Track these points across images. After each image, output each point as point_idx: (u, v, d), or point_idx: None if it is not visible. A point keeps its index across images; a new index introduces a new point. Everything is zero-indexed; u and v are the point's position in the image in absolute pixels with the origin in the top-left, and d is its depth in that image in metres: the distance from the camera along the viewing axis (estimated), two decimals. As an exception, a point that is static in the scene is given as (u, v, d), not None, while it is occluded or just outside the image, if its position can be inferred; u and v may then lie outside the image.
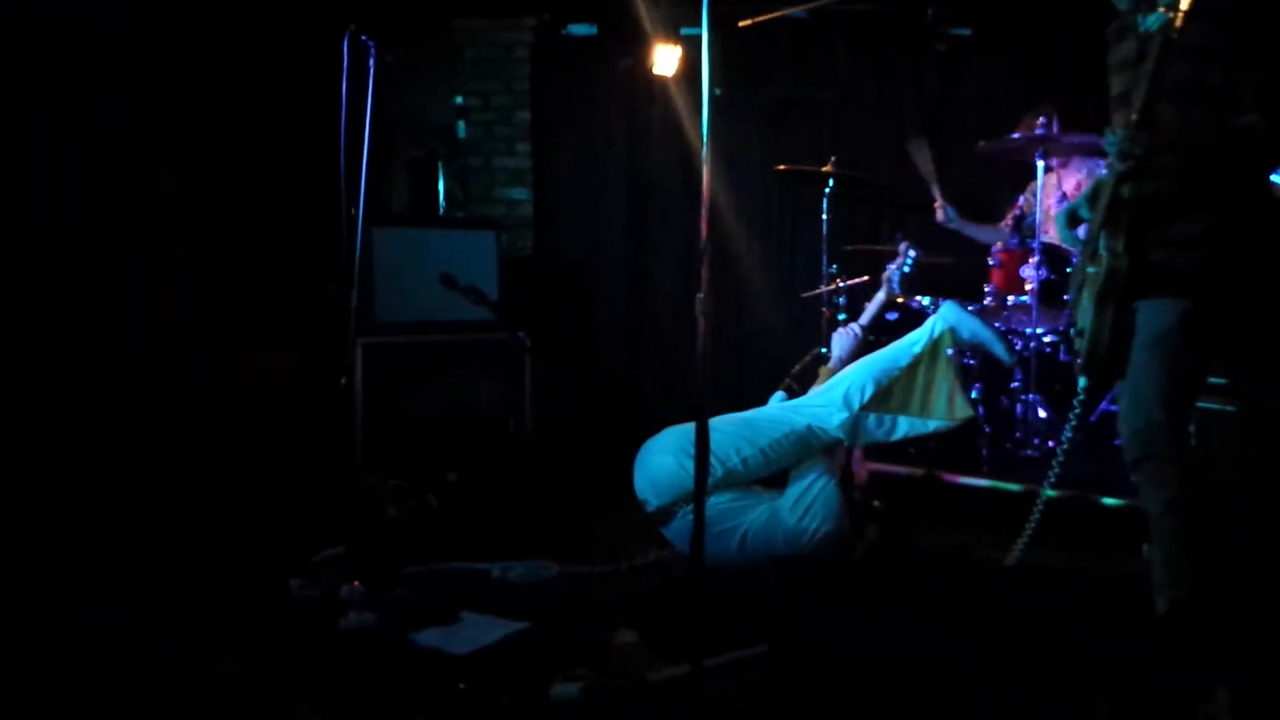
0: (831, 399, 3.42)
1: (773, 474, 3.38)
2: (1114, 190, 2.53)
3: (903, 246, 4.26)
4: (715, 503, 3.17)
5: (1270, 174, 3.10)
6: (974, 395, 4.44)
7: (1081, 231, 2.77)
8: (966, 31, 5.77)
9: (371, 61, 3.33)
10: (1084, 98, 4.72)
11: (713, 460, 3.21)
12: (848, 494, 3.28)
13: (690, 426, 3.06)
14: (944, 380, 3.46)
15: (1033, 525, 3.24)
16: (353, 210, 3.41)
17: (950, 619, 2.81)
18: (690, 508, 3.14)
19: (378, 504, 3.86)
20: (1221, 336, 2.59)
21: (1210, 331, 2.54)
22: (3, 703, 2.34)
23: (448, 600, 2.95)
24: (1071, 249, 4.26)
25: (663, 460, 3.31)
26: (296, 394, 4.56)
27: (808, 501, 3.22)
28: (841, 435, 3.37)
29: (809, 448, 3.36)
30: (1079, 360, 2.77)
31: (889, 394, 3.41)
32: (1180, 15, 2.34)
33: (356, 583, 2.97)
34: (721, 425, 3.33)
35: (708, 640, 2.41)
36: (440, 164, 5.50)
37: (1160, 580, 2.59)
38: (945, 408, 3.43)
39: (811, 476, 3.28)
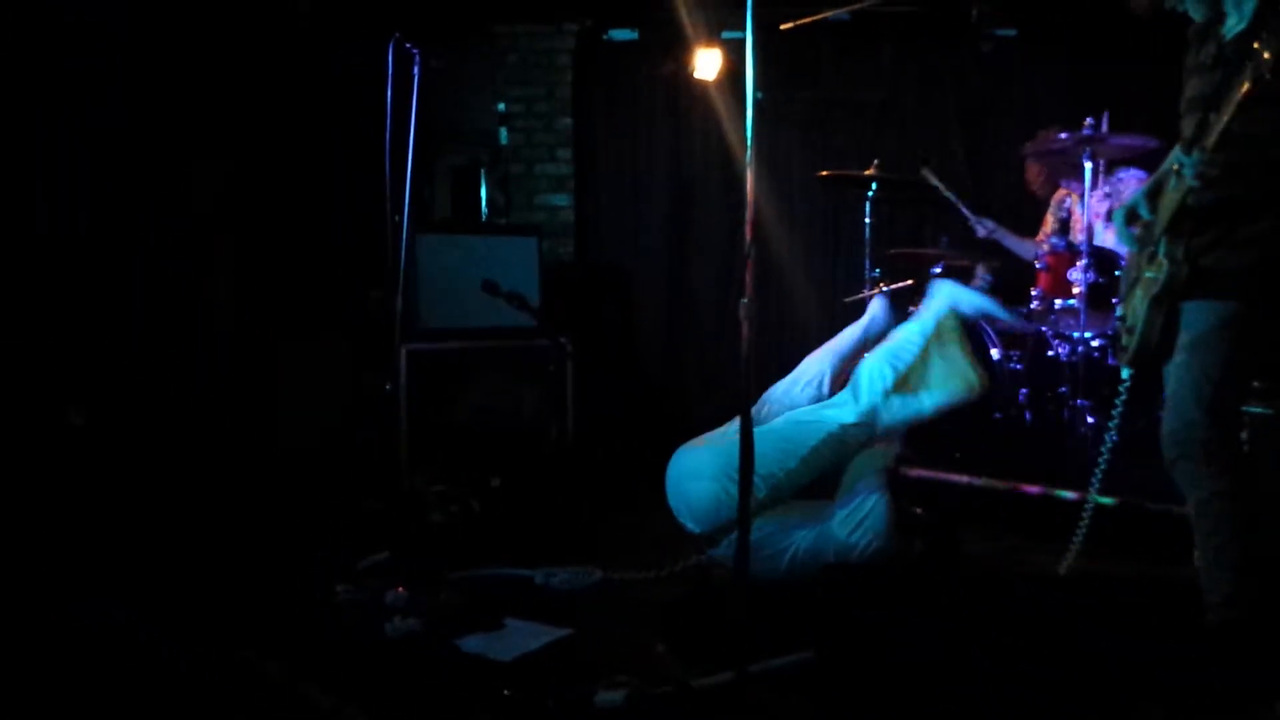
0: (854, 394, 3.39)
1: (815, 483, 3.34)
2: (1181, 200, 2.52)
3: (980, 271, 4.21)
4: (761, 527, 3.12)
5: None
6: (1021, 400, 4.39)
7: (1135, 230, 2.79)
8: (1012, 32, 5.71)
9: (416, 69, 3.36)
10: (1132, 100, 4.67)
11: (756, 479, 3.15)
12: (897, 505, 3.22)
13: (727, 447, 3.01)
14: (957, 355, 3.43)
15: (1083, 531, 3.21)
16: (397, 217, 3.44)
17: (995, 626, 2.79)
18: (734, 535, 3.12)
19: (422, 509, 3.89)
20: (1267, 341, 2.55)
21: (1254, 335, 2.52)
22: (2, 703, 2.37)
23: (492, 606, 2.96)
24: (1124, 248, 4.22)
25: (702, 486, 3.18)
26: (344, 400, 4.60)
27: (859, 517, 3.16)
28: (871, 424, 3.33)
29: (846, 448, 3.31)
30: (1126, 353, 2.77)
31: (906, 378, 3.38)
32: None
33: (401, 588, 2.98)
34: (758, 437, 3.27)
35: (752, 647, 2.39)
36: (483, 170, 5.53)
37: (1204, 585, 2.57)
38: (962, 381, 3.40)
39: (863, 493, 3.22)
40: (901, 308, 4.98)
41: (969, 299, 3.66)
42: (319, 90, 4.66)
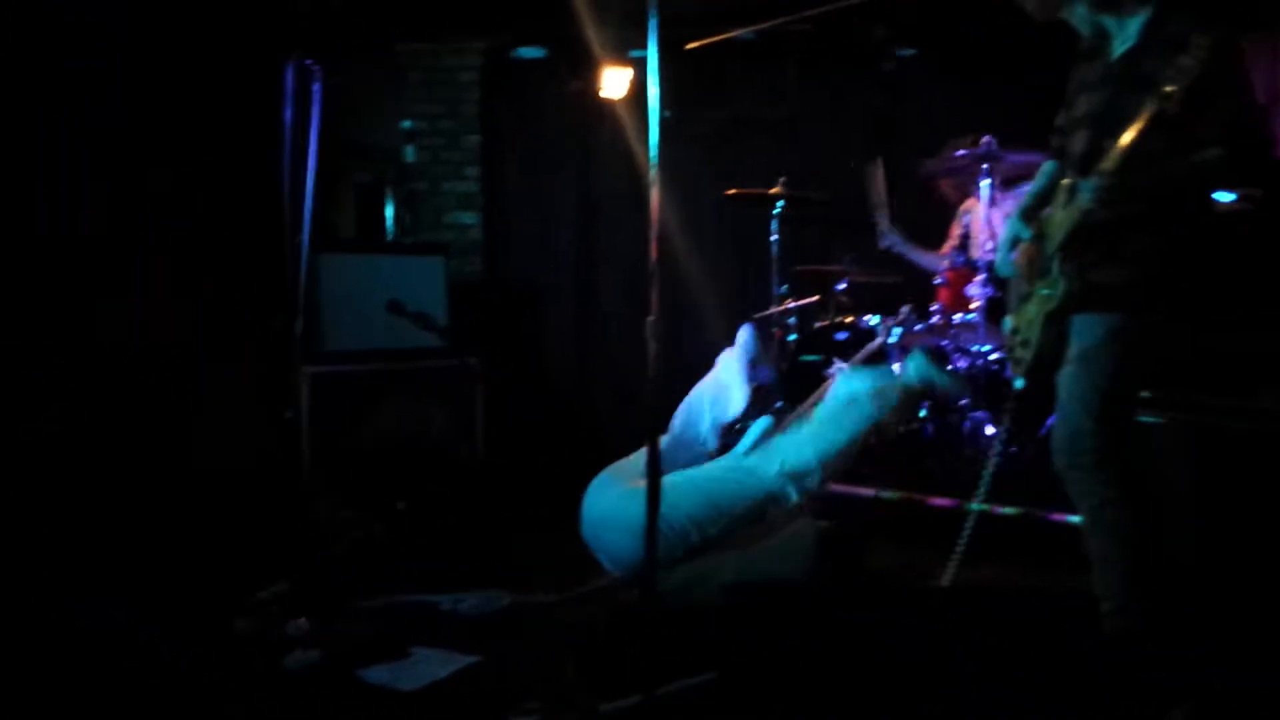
0: (782, 463, 3.33)
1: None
2: (1077, 221, 2.57)
3: (905, 310, 4.32)
4: (689, 568, 3.11)
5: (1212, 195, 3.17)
6: (922, 414, 4.47)
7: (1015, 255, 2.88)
8: (912, 51, 5.84)
9: (317, 86, 3.29)
10: (1027, 118, 4.79)
11: (673, 537, 3.10)
12: (823, 532, 3.22)
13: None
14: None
15: (964, 541, 3.26)
16: (297, 238, 3.36)
17: (895, 638, 2.81)
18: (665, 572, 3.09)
19: (325, 537, 3.79)
20: (1154, 352, 2.63)
21: (1140, 346, 2.59)
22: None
23: (397, 635, 2.90)
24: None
25: (623, 541, 3.12)
26: (248, 426, 4.46)
27: (787, 549, 3.17)
28: (797, 495, 3.31)
29: (767, 513, 3.30)
30: (1021, 365, 2.83)
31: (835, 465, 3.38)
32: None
33: (302, 619, 2.90)
34: (680, 491, 3.18)
35: (660, 668, 2.38)
36: (388, 189, 5.45)
37: (1099, 593, 2.62)
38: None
39: (793, 524, 3.22)
40: (808, 321, 5.06)
41: (939, 376, 3.70)
42: (217, 109, 4.53)
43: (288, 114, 3.22)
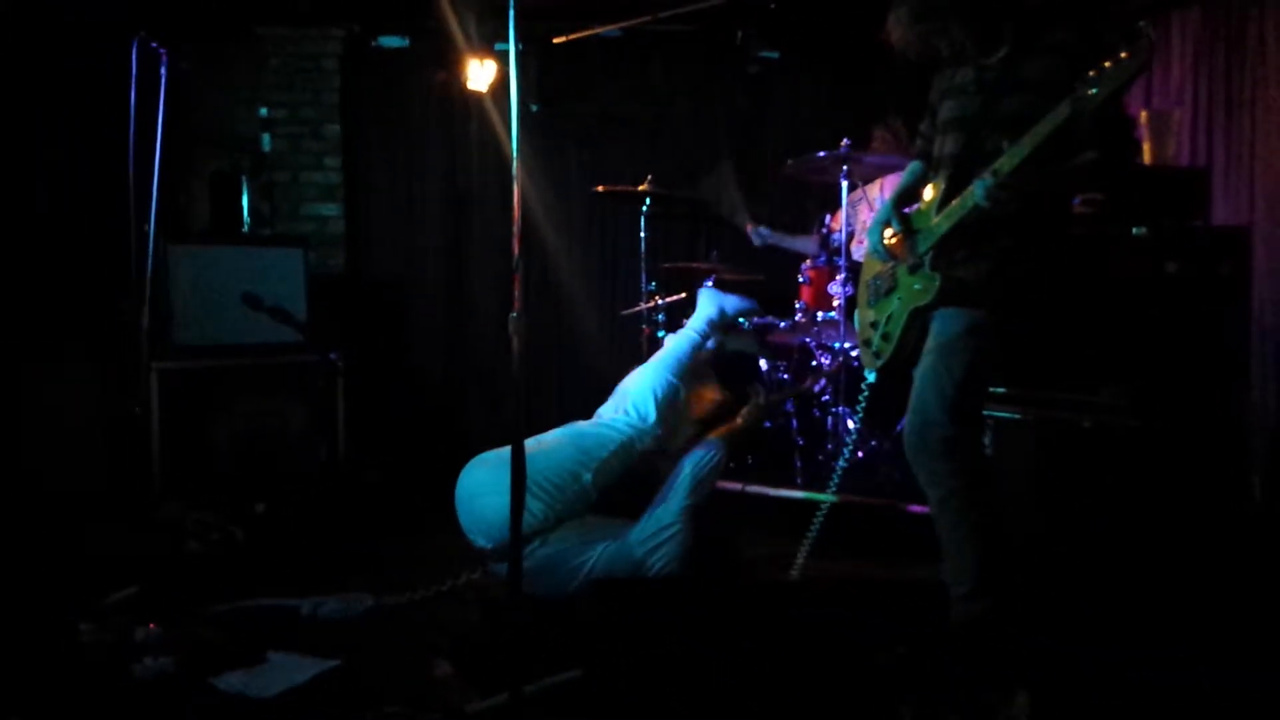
0: (635, 405, 3.48)
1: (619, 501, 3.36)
2: (962, 219, 2.63)
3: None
4: (557, 543, 3.11)
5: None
6: (788, 408, 4.56)
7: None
8: (775, 55, 5.95)
9: (164, 69, 3.15)
10: (880, 120, 4.95)
11: (551, 490, 3.13)
12: (699, 533, 3.25)
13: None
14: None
15: (814, 533, 3.34)
16: (145, 226, 3.21)
17: (752, 632, 2.84)
18: (534, 546, 3.09)
19: (177, 539, 3.64)
20: (1008, 347, 2.73)
21: (996, 341, 2.68)
22: None
23: (254, 640, 2.80)
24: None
25: (495, 501, 3.12)
26: (91, 422, 4.24)
27: (660, 540, 3.18)
28: (654, 433, 3.43)
29: (633, 457, 3.37)
30: (880, 358, 2.90)
31: (674, 395, 3.53)
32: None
33: (153, 625, 2.77)
34: (549, 451, 3.24)
35: (527, 667, 2.36)
36: (245, 178, 5.24)
37: (949, 580, 2.71)
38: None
39: (667, 517, 3.22)
40: (676, 318, 5.10)
41: (731, 301, 3.89)
42: (49, 91, 4.29)
43: (133, 97, 3.07)
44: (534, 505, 3.06)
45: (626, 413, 3.44)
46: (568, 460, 3.23)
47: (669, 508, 3.24)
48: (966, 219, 2.63)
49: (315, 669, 2.63)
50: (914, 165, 3.04)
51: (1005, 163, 2.49)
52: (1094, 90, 2.32)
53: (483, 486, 3.22)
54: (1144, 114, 3.97)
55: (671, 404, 3.50)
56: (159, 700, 2.48)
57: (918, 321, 2.78)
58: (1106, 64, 2.30)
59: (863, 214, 5.02)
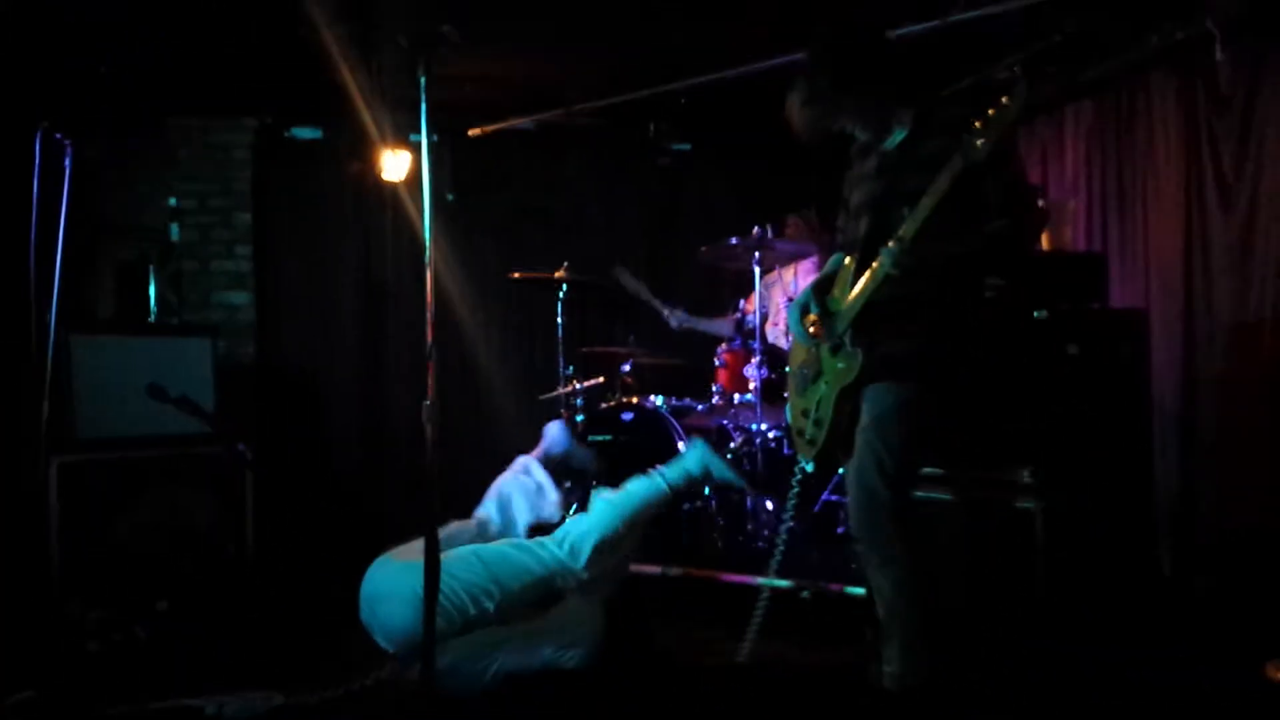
0: (569, 542, 3.29)
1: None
2: (874, 292, 2.68)
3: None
4: (464, 646, 3.02)
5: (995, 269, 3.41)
6: (706, 491, 4.56)
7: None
8: (686, 146, 6.10)
9: (68, 160, 3.10)
10: (793, 209, 5.10)
11: (450, 609, 3.03)
12: (612, 621, 3.18)
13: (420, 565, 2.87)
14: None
15: (759, 616, 3.33)
16: (45, 317, 3.13)
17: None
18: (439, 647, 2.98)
19: (77, 638, 3.48)
20: (940, 420, 2.78)
21: (929, 414, 2.72)
22: None
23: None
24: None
25: (397, 609, 3.02)
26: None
27: (571, 635, 3.10)
28: (580, 577, 3.26)
29: (554, 591, 3.24)
30: (814, 447, 2.90)
31: (617, 545, 3.35)
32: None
33: (47, 731, 2.64)
34: (462, 563, 3.12)
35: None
36: (152, 268, 5.16)
37: (893, 659, 2.68)
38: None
39: (579, 611, 3.16)
40: (594, 402, 5.11)
41: (719, 467, 3.67)
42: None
43: (35, 187, 3.01)
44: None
45: (559, 544, 3.27)
46: (476, 581, 3.10)
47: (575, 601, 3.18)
48: (880, 293, 2.67)
49: (219, 772, 2.51)
50: (835, 256, 3.07)
51: (909, 227, 2.56)
52: (980, 140, 2.41)
53: (384, 591, 3.13)
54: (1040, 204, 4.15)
55: (612, 551, 3.31)
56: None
57: (848, 402, 2.79)
58: (990, 111, 2.40)
59: (777, 296, 5.12)
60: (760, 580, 3.74)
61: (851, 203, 2.96)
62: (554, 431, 4.08)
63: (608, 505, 3.39)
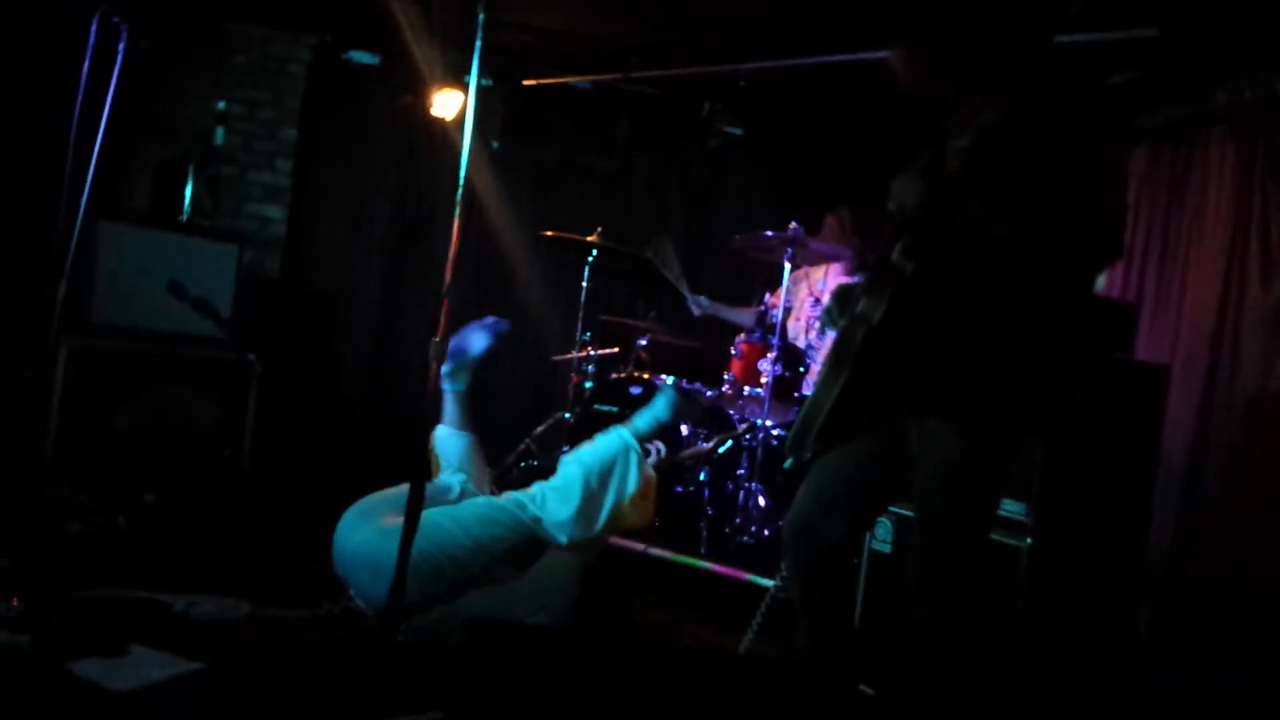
0: (553, 496, 3.26)
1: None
2: (885, 254, 2.27)
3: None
4: (442, 609, 2.99)
5: None
6: (702, 477, 4.57)
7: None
8: (738, 131, 6.07)
9: (121, 45, 3.10)
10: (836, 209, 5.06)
11: (430, 573, 2.96)
12: (584, 592, 3.16)
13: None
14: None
15: (762, 613, 3.32)
16: (76, 198, 3.14)
17: (638, 690, 2.80)
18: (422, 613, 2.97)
19: (58, 518, 3.51)
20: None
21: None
22: None
23: (119, 630, 2.70)
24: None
25: (376, 582, 2.89)
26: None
27: (545, 594, 3.05)
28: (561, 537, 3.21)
29: (535, 547, 3.20)
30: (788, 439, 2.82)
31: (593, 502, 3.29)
32: None
33: (15, 600, 2.67)
34: (439, 528, 3.03)
35: (390, 700, 2.31)
36: (192, 168, 5.18)
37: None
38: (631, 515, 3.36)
39: (553, 578, 3.10)
40: (605, 371, 5.12)
41: (688, 413, 3.67)
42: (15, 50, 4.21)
43: (85, 69, 3.02)
44: (419, 594, 2.89)
45: (535, 502, 3.23)
46: (457, 542, 3.06)
47: (548, 569, 3.14)
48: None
49: (176, 669, 2.54)
50: None
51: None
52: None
53: (362, 559, 3.04)
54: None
55: (589, 508, 3.25)
56: (7, 676, 2.37)
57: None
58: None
59: (802, 294, 5.10)
60: (756, 579, 3.78)
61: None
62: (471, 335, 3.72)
63: (577, 464, 3.34)
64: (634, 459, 3.36)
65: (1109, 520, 3.57)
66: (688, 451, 3.81)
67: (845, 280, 4.93)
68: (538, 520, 3.19)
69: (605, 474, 3.31)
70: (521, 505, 3.22)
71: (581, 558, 3.16)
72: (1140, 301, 4.70)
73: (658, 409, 3.57)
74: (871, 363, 2.23)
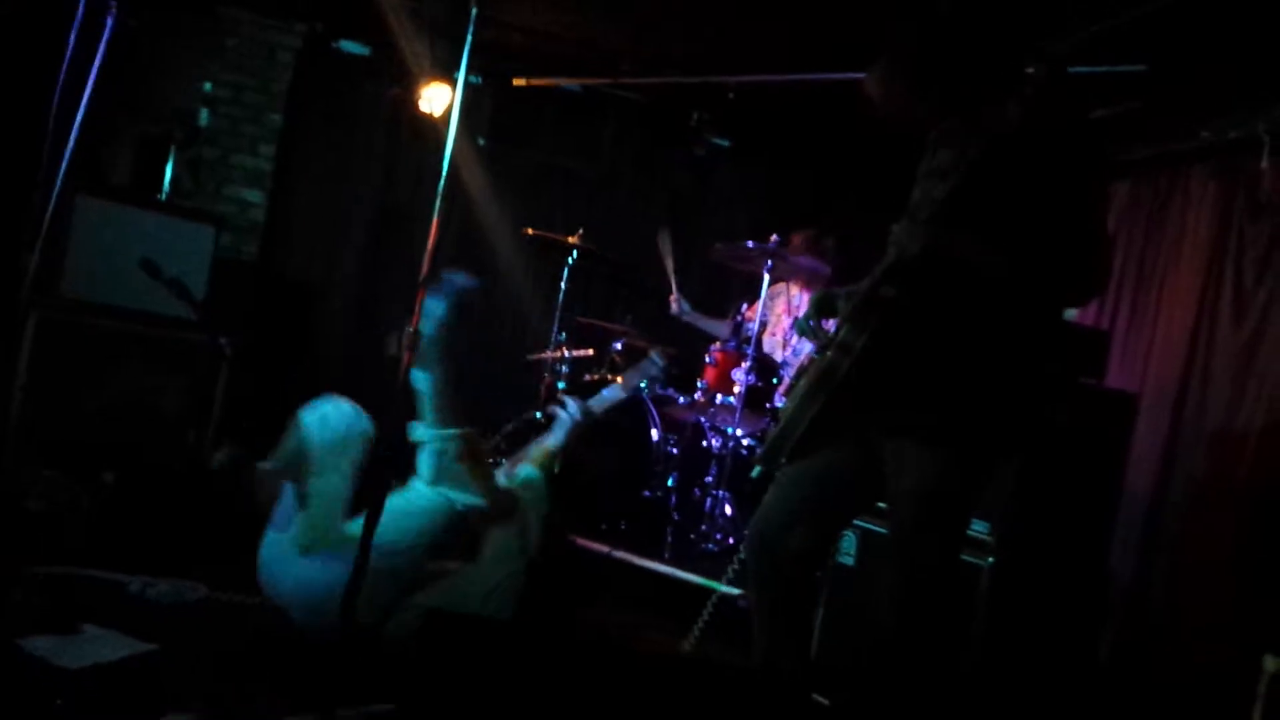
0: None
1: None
2: (872, 287, 2.26)
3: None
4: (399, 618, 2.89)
5: None
6: (670, 483, 4.57)
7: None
8: (725, 142, 6.08)
9: (110, 19, 3.08)
10: (812, 226, 5.07)
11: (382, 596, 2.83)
12: (530, 583, 3.13)
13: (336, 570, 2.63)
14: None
15: (707, 616, 3.34)
16: (54, 169, 3.11)
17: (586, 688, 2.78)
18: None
19: (19, 494, 3.47)
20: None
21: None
22: None
23: (73, 609, 2.67)
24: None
25: (313, 617, 2.77)
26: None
27: (499, 592, 3.01)
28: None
29: (459, 523, 3.07)
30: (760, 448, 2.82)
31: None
32: None
33: (-30, 576, 2.64)
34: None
35: (342, 690, 2.29)
36: (174, 148, 5.14)
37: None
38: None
39: (499, 569, 3.04)
40: (579, 372, 5.11)
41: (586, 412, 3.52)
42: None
43: (71, 39, 3.00)
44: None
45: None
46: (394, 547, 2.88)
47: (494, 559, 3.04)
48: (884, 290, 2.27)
49: (128, 649, 2.50)
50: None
51: (924, 209, 2.22)
52: (1013, 111, 2.08)
53: (296, 599, 2.86)
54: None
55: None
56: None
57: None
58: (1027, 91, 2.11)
59: (779, 308, 5.12)
60: (707, 582, 3.78)
61: (914, 199, 2.44)
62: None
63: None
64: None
65: (1072, 543, 3.60)
66: (600, 404, 3.67)
67: None
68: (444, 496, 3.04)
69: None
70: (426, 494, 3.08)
71: (527, 554, 3.10)
72: (1113, 329, 4.75)
73: (555, 437, 3.46)
74: (852, 387, 2.24)
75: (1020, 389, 2.25)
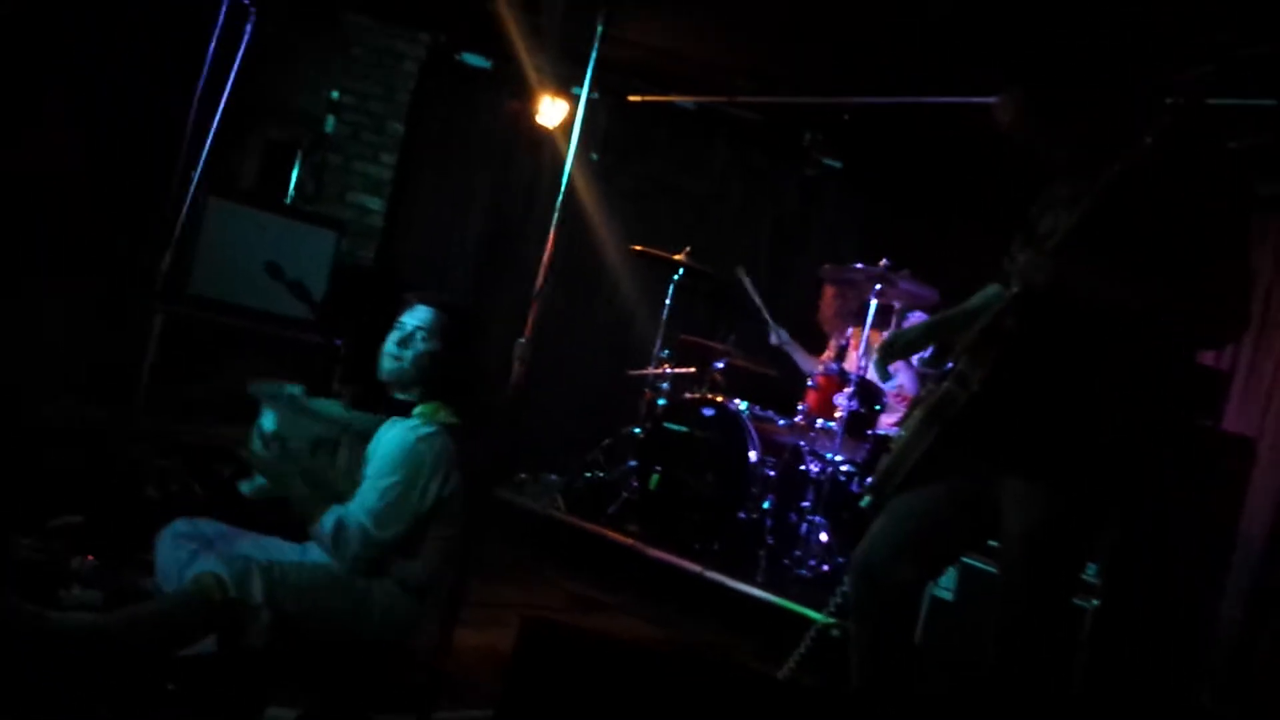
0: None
1: None
2: (995, 319, 2.21)
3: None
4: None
5: None
6: (766, 506, 4.53)
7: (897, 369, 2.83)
8: (838, 164, 6.04)
9: (249, 26, 3.22)
10: (926, 252, 4.99)
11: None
12: None
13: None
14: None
15: (804, 648, 3.30)
16: (190, 172, 3.26)
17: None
18: None
19: (136, 480, 3.62)
20: None
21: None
22: None
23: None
24: (882, 383, 4.45)
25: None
26: (75, 351, 4.22)
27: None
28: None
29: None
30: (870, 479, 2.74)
31: None
32: None
33: (90, 557, 2.76)
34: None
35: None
36: (300, 153, 5.31)
37: None
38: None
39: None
40: (680, 390, 5.11)
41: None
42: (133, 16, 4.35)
43: (212, 46, 3.14)
44: None
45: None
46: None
47: None
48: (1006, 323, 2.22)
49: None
50: (990, 288, 2.53)
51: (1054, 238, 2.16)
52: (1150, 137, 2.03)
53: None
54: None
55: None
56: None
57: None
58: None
59: (855, 341, 5.01)
60: (801, 609, 3.75)
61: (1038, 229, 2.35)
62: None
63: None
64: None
65: (1180, 588, 3.47)
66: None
67: None
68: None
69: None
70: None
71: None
72: (1234, 370, 4.57)
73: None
74: (968, 421, 2.20)
75: (1144, 433, 2.17)
